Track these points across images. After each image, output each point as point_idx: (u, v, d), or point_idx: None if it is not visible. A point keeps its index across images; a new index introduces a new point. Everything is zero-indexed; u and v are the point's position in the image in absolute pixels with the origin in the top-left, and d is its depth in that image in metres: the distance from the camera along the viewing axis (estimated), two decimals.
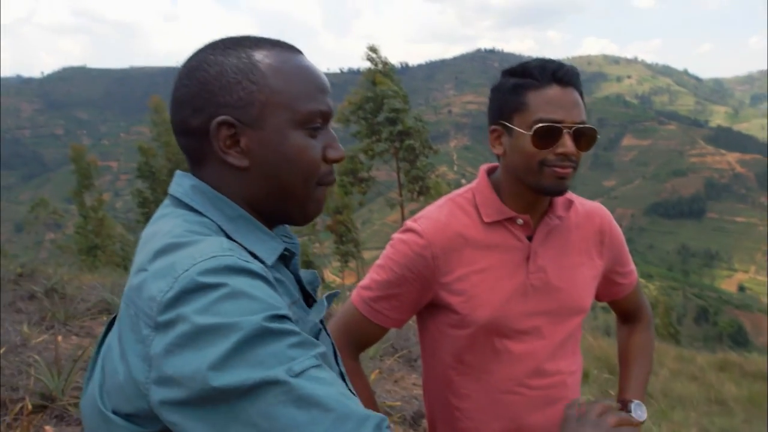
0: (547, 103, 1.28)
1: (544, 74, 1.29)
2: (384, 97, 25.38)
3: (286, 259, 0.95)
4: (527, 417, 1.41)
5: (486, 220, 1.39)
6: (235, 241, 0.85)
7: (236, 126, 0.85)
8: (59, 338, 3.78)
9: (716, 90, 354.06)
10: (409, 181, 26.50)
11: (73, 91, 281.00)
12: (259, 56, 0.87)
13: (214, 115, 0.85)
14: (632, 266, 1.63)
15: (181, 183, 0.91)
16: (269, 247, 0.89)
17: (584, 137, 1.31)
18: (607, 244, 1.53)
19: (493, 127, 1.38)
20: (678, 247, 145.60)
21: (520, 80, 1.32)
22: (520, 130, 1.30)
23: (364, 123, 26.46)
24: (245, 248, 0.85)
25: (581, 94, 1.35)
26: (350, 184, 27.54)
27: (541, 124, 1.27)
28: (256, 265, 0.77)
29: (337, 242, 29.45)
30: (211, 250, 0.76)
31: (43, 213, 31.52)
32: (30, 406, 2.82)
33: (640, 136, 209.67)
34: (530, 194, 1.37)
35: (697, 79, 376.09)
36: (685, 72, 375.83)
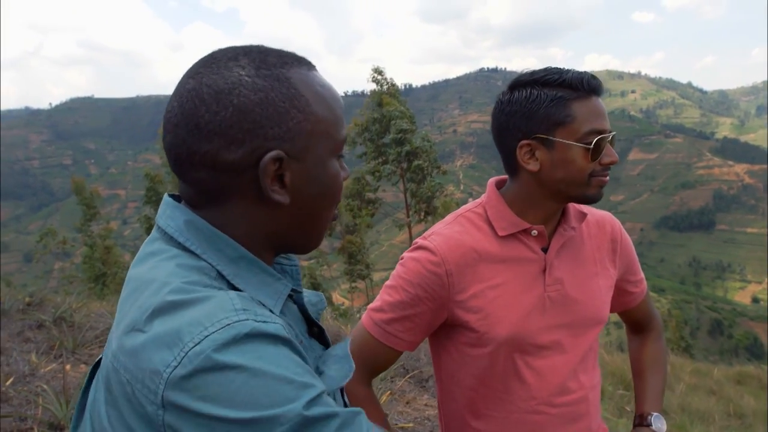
0: (593, 114, 1.27)
1: (583, 85, 1.27)
2: (391, 118, 25.49)
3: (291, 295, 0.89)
4: None
5: (501, 233, 1.35)
6: (237, 288, 0.77)
7: (283, 160, 0.77)
8: (67, 367, 3.75)
9: (721, 102, 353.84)
10: (417, 201, 26.49)
11: (81, 122, 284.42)
12: (296, 78, 0.79)
13: (260, 148, 0.76)
14: (642, 275, 1.61)
15: (173, 216, 0.81)
16: (274, 291, 0.82)
17: (612, 145, 1.33)
18: (620, 253, 1.51)
19: (526, 141, 1.31)
20: (689, 260, 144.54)
21: (561, 92, 1.27)
22: (568, 143, 1.27)
23: (371, 144, 26.55)
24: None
25: None
26: (357, 207, 27.56)
27: (601, 136, 1.26)
28: (274, 325, 0.69)
29: (347, 263, 29.38)
30: (222, 313, 0.67)
31: (51, 243, 31.64)
32: None
33: (647, 149, 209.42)
34: (554, 206, 1.35)
35: (702, 91, 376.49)
36: (690, 85, 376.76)
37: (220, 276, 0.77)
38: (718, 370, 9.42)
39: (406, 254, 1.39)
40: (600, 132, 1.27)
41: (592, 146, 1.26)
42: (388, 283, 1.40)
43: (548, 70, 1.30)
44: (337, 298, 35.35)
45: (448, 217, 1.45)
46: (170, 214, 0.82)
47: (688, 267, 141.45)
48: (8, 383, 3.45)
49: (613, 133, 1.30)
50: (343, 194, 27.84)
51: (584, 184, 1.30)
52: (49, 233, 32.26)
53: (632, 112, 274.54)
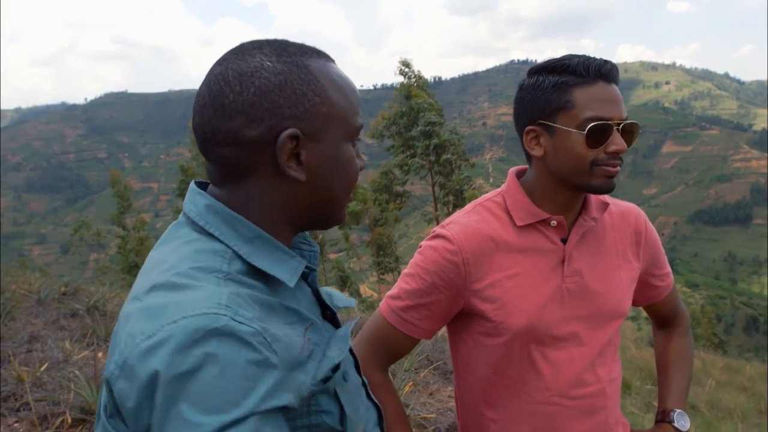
0: (595, 100, 1.24)
1: (589, 70, 1.24)
2: (419, 111, 25.38)
3: (304, 274, 0.94)
4: (566, 429, 1.35)
5: (519, 223, 1.34)
6: (251, 264, 0.83)
7: (300, 138, 0.83)
8: (99, 354, 3.86)
9: (760, 92, 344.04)
10: (445, 194, 26.38)
11: (115, 116, 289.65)
12: (314, 66, 0.86)
13: (277, 126, 0.82)
14: (668, 268, 1.58)
15: (195, 201, 0.88)
16: (289, 267, 0.87)
17: (628, 133, 1.28)
18: (644, 246, 1.47)
19: (531, 127, 1.32)
20: (724, 254, 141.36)
21: (563, 77, 1.26)
22: (568, 129, 1.25)
23: (398, 138, 26.50)
24: (264, 271, 0.83)
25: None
26: (385, 201, 27.56)
27: (595, 123, 1.23)
28: (248, 327, 0.72)
29: (375, 255, 29.46)
30: (206, 303, 0.72)
31: (86, 234, 32.38)
32: (70, 420, 2.89)
33: (681, 142, 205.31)
34: (569, 195, 1.33)
35: (739, 82, 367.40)
36: (726, 75, 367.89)
37: (237, 256, 0.83)
38: (751, 367, 9.25)
39: (424, 243, 1.39)
40: (601, 119, 1.23)
41: (586, 132, 1.24)
42: (405, 271, 1.40)
43: (563, 57, 1.28)
44: (365, 290, 35.51)
45: (468, 206, 1.44)
46: (192, 199, 0.88)
47: (723, 262, 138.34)
48: (42, 369, 3.57)
49: (626, 121, 1.26)
50: (371, 187, 28.01)
51: (587, 172, 1.26)
52: (84, 225, 33.01)
53: (666, 104, 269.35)
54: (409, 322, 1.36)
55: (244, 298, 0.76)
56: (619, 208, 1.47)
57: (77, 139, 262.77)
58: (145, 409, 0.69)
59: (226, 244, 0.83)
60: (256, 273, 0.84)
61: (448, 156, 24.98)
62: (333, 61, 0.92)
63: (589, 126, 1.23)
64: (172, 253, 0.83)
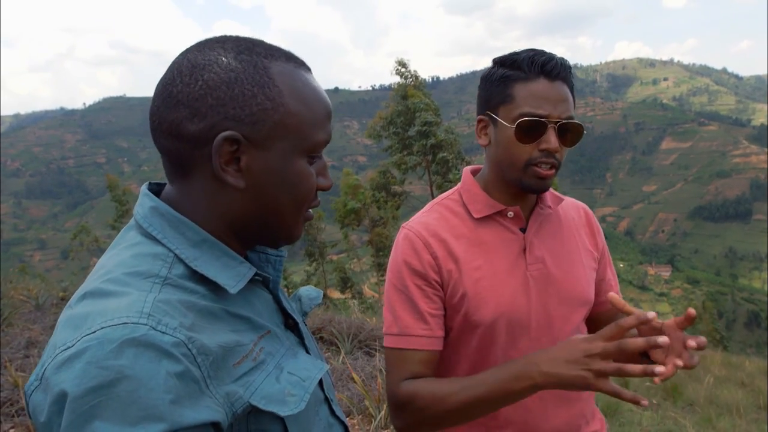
0: (533, 96, 1.25)
1: (533, 67, 1.26)
2: (416, 111, 25.41)
3: (266, 280, 0.91)
4: (541, 419, 1.36)
5: (476, 216, 1.36)
6: (194, 270, 0.79)
7: (241, 143, 0.79)
8: None
9: (758, 87, 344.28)
10: (441, 193, 26.32)
11: (114, 121, 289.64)
12: (276, 70, 0.81)
13: (218, 125, 0.77)
14: (615, 277, 1.56)
15: (143, 203, 0.84)
16: (236, 273, 0.82)
17: (570, 133, 1.28)
18: (597, 235, 1.52)
19: (480, 117, 1.36)
20: (725, 250, 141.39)
21: (508, 71, 1.28)
22: (505, 123, 1.28)
23: (396, 137, 26.52)
24: (206, 277, 0.79)
25: (572, 88, 1.31)
26: (383, 200, 27.56)
27: (524, 118, 1.24)
28: (171, 338, 0.69)
29: (375, 256, 29.47)
30: (126, 312, 0.69)
31: (85, 239, 32.36)
32: None
33: (680, 138, 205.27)
34: (513, 187, 1.34)
35: (738, 77, 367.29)
36: (724, 71, 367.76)
37: (178, 260, 0.79)
38: (751, 363, 9.25)
39: (392, 254, 1.40)
40: (534, 115, 1.24)
41: (515, 127, 1.25)
42: (386, 295, 1.38)
43: (519, 51, 1.30)
44: (366, 291, 35.48)
45: (426, 206, 1.46)
46: (140, 201, 0.85)
47: (723, 258, 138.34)
48: None
49: (564, 121, 1.25)
50: (370, 186, 28.01)
51: (519, 169, 1.28)
52: (84, 230, 32.98)
53: (665, 100, 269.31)
54: (412, 336, 1.32)
55: (173, 305, 0.73)
56: (570, 202, 1.52)
57: (76, 144, 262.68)
58: (55, 425, 0.65)
59: (168, 248, 0.80)
60: (199, 278, 0.80)
61: (444, 155, 24.97)
62: (307, 68, 0.87)
63: (519, 121, 1.25)
64: (112, 257, 0.80)
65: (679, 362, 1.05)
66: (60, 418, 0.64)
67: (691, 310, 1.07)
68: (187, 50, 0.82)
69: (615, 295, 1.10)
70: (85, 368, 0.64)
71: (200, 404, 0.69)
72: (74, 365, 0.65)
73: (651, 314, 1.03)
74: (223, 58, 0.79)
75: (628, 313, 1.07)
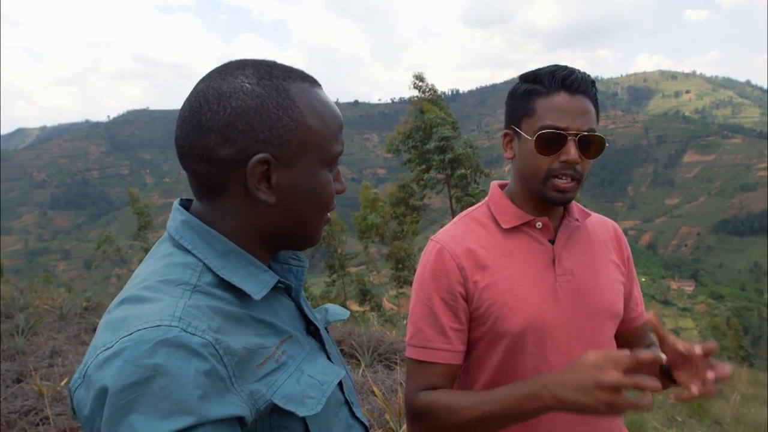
0: (553, 109, 1.28)
1: (553, 81, 1.29)
2: (432, 126, 25.40)
3: (288, 288, 0.96)
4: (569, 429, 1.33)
5: (505, 226, 1.38)
6: (221, 278, 0.85)
7: (271, 163, 0.84)
8: None
9: None
10: (462, 208, 26.28)
11: (137, 133, 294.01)
12: (294, 91, 0.87)
13: (249, 149, 0.83)
14: (641, 295, 1.56)
15: (174, 217, 0.91)
16: (260, 281, 0.88)
17: (591, 146, 1.30)
18: (624, 250, 1.52)
19: (506, 131, 1.39)
20: (750, 265, 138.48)
21: (531, 86, 1.32)
22: (527, 136, 1.31)
23: (415, 152, 26.51)
24: (232, 284, 0.85)
25: (595, 102, 1.33)
26: (402, 215, 27.54)
27: (545, 130, 1.27)
28: (200, 339, 0.74)
29: (394, 269, 29.41)
30: (160, 316, 0.75)
31: (108, 250, 32.75)
32: None
33: (703, 151, 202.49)
34: (539, 200, 1.36)
35: (762, 89, 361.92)
36: (748, 83, 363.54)
37: (207, 269, 0.85)
38: None
39: (419, 265, 1.41)
40: (554, 128, 1.27)
41: (534, 139, 1.28)
42: (411, 306, 1.40)
43: (544, 66, 1.33)
44: (386, 304, 35.39)
45: (454, 219, 1.48)
46: (172, 216, 0.91)
47: (749, 273, 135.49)
48: (63, 383, 3.62)
49: (584, 133, 1.27)
50: (389, 201, 28.05)
51: (540, 180, 1.31)
52: (107, 241, 33.38)
53: (687, 113, 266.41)
54: (433, 350, 1.33)
55: (202, 310, 0.78)
56: (598, 217, 1.53)
57: (100, 156, 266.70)
58: (97, 418, 0.71)
59: (198, 258, 0.85)
60: (226, 286, 0.85)
61: (462, 171, 24.93)
62: (319, 85, 0.92)
63: (539, 133, 1.28)
64: (147, 267, 0.86)
65: (695, 391, 1.12)
66: (101, 411, 0.70)
67: (711, 343, 1.14)
68: (209, 77, 0.87)
69: (653, 318, 1.14)
70: (124, 366, 0.70)
71: (226, 400, 0.74)
72: (113, 364, 0.70)
73: (663, 357, 1.10)
74: (247, 84, 0.84)
75: (660, 339, 1.12)
